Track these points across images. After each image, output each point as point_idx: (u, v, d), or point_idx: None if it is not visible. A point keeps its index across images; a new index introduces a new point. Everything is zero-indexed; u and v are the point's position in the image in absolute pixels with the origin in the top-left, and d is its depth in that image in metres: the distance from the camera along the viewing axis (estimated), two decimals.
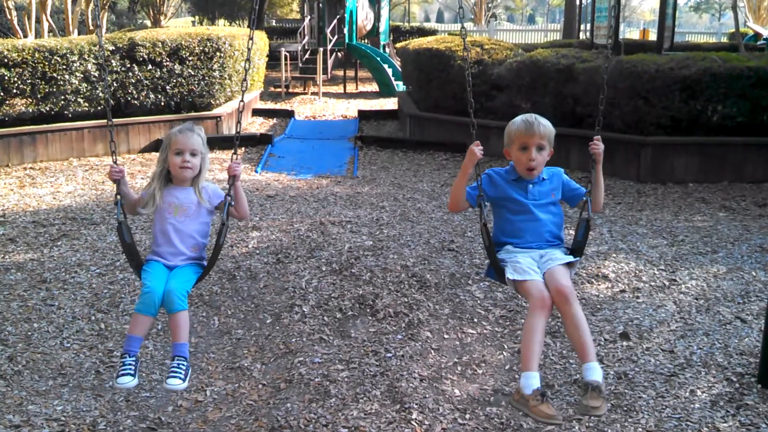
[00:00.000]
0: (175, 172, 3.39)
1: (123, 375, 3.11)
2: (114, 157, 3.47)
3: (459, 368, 4.32)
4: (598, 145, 3.29)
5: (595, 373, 2.87)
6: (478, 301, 5.15)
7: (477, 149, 3.19)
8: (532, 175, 3.25)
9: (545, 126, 3.27)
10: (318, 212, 7.23)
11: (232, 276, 5.49)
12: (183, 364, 3.18)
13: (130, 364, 3.14)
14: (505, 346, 4.59)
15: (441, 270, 5.63)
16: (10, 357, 4.27)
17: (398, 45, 15.78)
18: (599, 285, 5.44)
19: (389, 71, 18.49)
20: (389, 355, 4.39)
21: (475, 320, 4.89)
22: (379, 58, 19.11)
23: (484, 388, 4.12)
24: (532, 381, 2.91)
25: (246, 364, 4.32)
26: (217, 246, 3.37)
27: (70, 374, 4.15)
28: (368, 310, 4.95)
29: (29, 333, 4.58)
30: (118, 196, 3.37)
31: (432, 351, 4.49)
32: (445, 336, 4.69)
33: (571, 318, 3.02)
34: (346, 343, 4.54)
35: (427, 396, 3.96)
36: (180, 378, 3.14)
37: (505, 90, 10.17)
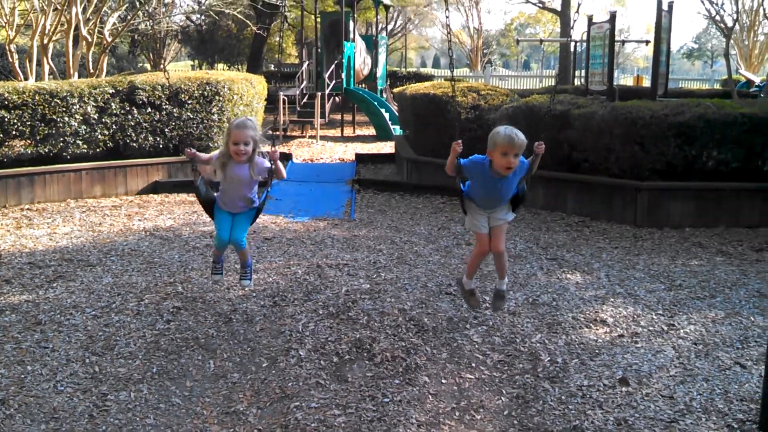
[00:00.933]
0: (233, 157, 4.83)
1: (215, 274, 5.38)
2: (191, 150, 4.94)
3: (457, 413, 4.27)
4: (542, 145, 4.41)
5: (503, 284, 5.04)
6: (476, 346, 5.12)
7: (458, 146, 4.51)
8: (508, 172, 4.39)
9: (521, 139, 4.33)
10: (315, 255, 7.22)
11: (229, 319, 5.45)
12: (248, 271, 5.34)
13: (218, 265, 5.35)
14: (504, 391, 4.54)
15: (438, 314, 5.61)
16: (2, 400, 4.21)
17: (395, 90, 15.96)
18: (597, 329, 5.42)
19: (386, 115, 18.66)
20: (386, 399, 4.34)
21: (473, 365, 4.85)
22: (376, 103, 19.29)
23: None
24: (470, 283, 5.13)
25: (241, 409, 4.26)
26: (263, 199, 5.25)
27: (63, 418, 4.08)
28: (365, 354, 4.91)
29: (22, 376, 4.53)
30: (193, 164, 5.04)
31: (430, 396, 4.45)
32: (443, 381, 4.64)
33: (498, 260, 4.93)
34: (343, 388, 4.49)
35: None
36: (248, 279, 5.38)
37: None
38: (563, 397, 4.44)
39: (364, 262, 6.95)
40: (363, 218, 9.22)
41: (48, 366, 4.67)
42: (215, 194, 5.10)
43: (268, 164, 4.96)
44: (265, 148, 5.08)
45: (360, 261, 6.97)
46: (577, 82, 20.89)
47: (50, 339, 5.07)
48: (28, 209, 9.19)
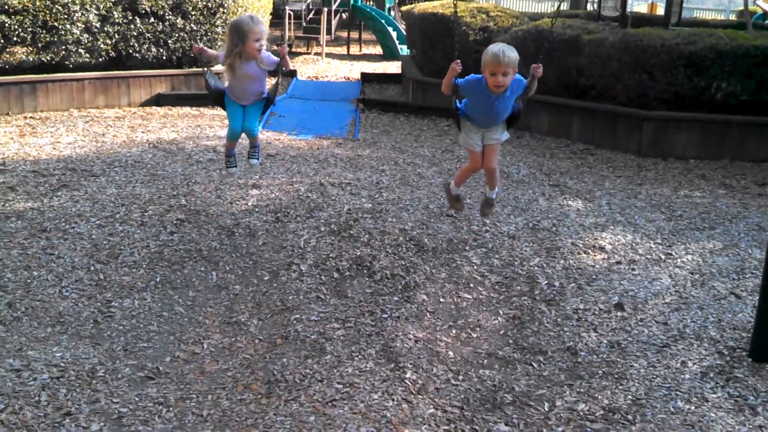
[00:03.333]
0: (253, 53, 4.72)
1: (231, 167, 5.37)
2: (199, 45, 4.94)
3: (454, 331, 4.38)
4: (540, 67, 4.32)
5: (493, 193, 4.90)
6: (475, 267, 5.19)
7: (457, 66, 4.30)
8: (500, 91, 4.26)
9: (509, 57, 4.16)
10: (318, 173, 7.23)
11: (231, 232, 5.51)
12: (256, 150, 5.30)
13: (232, 158, 5.35)
14: (501, 312, 4.64)
15: (439, 235, 5.66)
16: (9, 303, 4.30)
17: (403, 8, 15.63)
18: (595, 256, 5.48)
19: (393, 34, 18.34)
20: (385, 315, 4.44)
21: (471, 285, 4.94)
22: (383, 21, 18.93)
23: (478, 351, 4.17)
24: (457, 190, 5.05)
25: (243, 320, 4.36)
26: (273, 88, 5.12)
27: (68, 322, 4.18)
28: (365, 272, 4.98)
29: (29, 281, 4.61)
30: (202, 59, 4.99)
31: (428, 314, 4.54)
32: (441, 300, 4.73)
33: (490, 176, 4.83)
34: (343, 303, 4.58)
35: (421, 356, 4.01)
36: (256, 158, 5.31)
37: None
38: (559, 320, 4.54)
39: (366, 181, 6.96)
40: (367, 138, 9.18)
41: (54, 272, 4.75)
42: (225, 85, 5.09)
43: (275, 58, 4.88)
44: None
45: (363, 180, 6.99)
46: (589, 7, 20.42)
47: (56, 246, 5.13)
48: (31, 117, 9.15)
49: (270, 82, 5.35)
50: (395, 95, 12.90)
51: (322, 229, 5.62)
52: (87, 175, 6.79)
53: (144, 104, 10.38)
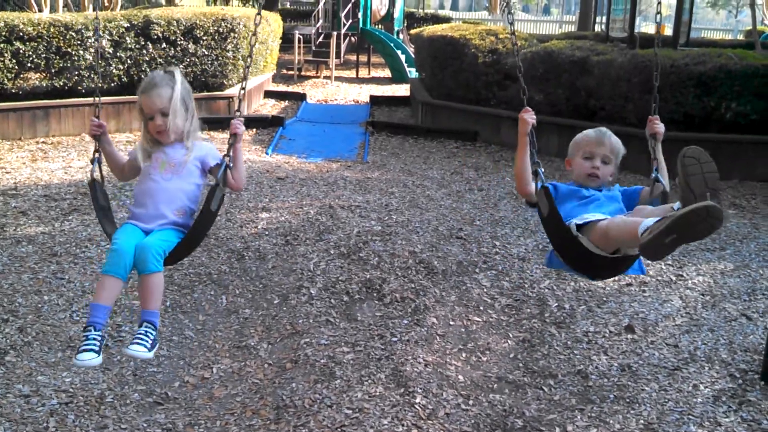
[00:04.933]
0: (155, 137, 2.97)
1: (85, 350, 2.63)
2: (97, 111, 3.02)
3: (464, 355, 4.36)
4: (658, 123, 3.14)
5: None
6: (485, 290, 5.18)
7: (528, 115, 2.92)
8: (594, 182, 2.99)
9: (616, 141, 3.07)
10: (327, 196, 7.25)
11: (241, 256, 5.52)
12: (151, 333, 2.74)
13: (94, 339, 2.66)
14: (511, 335, 4.61)
15: (449, 257, 5.65)
16: (20, 328, 4.32)
17: (412, 31, 15.73)
18: None
19: (402, 57, 18.42)
20: (395, 339, 4.43)
21: (481, 308, 4.92)
22: (392, 44, 19.02)
23: (488, 375, 4.15)
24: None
25: (252, 344, 4.36)
26: (206, 210, 2.79)
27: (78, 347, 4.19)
28: (375, 295, 4.98)
29: (39, 305, 4.63)
30: (97, 154, 3.01)
31: (437, 337, 4.52)
32: (451, 323, 4.72)
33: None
34: (353, 326, 4.57)
35: (431, 381, 4.00)
36: (145, 346, 2.69)
37: (518, 80, 10.13)
38: (569, 342, 4.51)
39: (376, 204, 6.98)
40: (376, 160, 9.21)
41: (64, 296, 4.77)
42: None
43: (217, 153, 3.07)
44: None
45: (372, 203, 7.00)
46: (597, 28, 20.50)
47: (66, 270, 5.16)
48: (43, 142, 9.24)
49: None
50: (404, 118, 12.95)
51: (332, 252, 5.62)
52: None
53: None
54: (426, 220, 6.53)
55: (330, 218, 6.41)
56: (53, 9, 13.20)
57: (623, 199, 2.99)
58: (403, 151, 9.88)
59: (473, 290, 5.16)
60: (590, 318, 4.81)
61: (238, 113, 3.01)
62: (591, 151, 3.01)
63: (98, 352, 2.65)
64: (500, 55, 10.58)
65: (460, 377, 4.10)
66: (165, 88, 2.91)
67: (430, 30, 12.96)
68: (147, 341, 2.71)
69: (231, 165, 2.96)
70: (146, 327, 2.76)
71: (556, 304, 4.99)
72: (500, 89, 10.22)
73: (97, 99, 3.05)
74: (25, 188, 7.13)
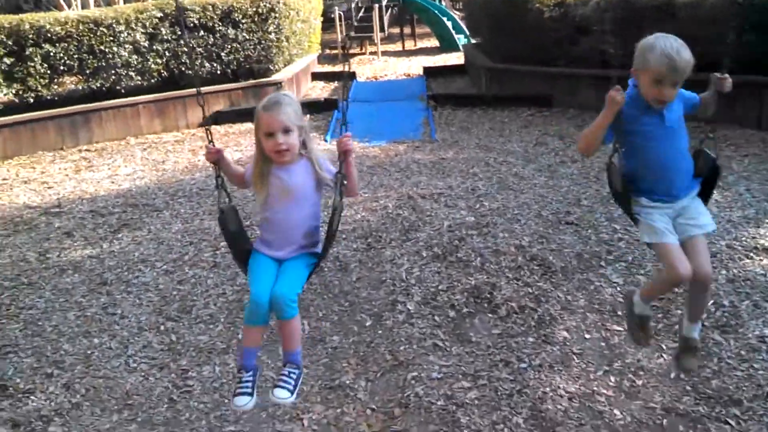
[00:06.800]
0: (272, 156, 2.81)
1: (240, 395, 2.71)
2: (209, 136, 2.95)
3: (612, 378, 3.46)
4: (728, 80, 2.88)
5: (695, 330, 3.01)
6: (617, 288, 4.24)
7: (618, 95, 2.73)
8: (662, 105, 2.79)
9: (687, 62, 2.71)
10: (403, 184, 6.37)
11: (319, 268, 4.68)
12: (294, 373, 2.79)
13: (247, 381, 2.74)
14: (663, 346, 3.69)
15: (564, 250, 4.72)
16: (66, 385, 3.58)
17: None
18: (762, 260, 4.46)
19: (449, 24, 17.44)
20: (524, 365, 3.55)
21: (619, 313, 3.99)
22: (437, 11, 18.03)
23: (649, 405, 3.25)
24: (645, 307, 3.14)
25: (348, 382, 3.54)
26: (330, 233, 2.82)
27: (138, 404, 3.43)
28: (486, 306, 4.10)
29: (89, 351, 3.89)
30: (219, 179, 2.93)
31: (574, 356, 3.63)
32: (587, 336, 3.81)
33: (699, 292, 2.90)
34: (468, 351, 3.70)
35: (583, 421, 3.12)
36: (288, 390, 2.73)
37: (591, 33, 9.07)
38: (743, 352, 3.57)
39: (460, 189, 6.07)
40: (446, 138, 8.27)
41: (117, 337, 4.02)
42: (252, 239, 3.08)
43: (332, 167, 2.87)
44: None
45: (456, 189, 6.09)
46: None
47: (118, 303, 4.41)
48: (86, 150, 8.58)
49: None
50: (464, 87, 11.96)
51: (424, 254, 4.75)
52: (149, 210, 6.10)
53: (203, 125, 9.70)
54: (524, 204, 5.59)
55: (413, 211, 5.54)
56: (83, 6, 12.56)
57: (687, 104, 2.89)
58: (473, 125, 8.92)
59: (604, 290, 4.23)
60: (760, 317, 3.85)
61: (345, 128, 2.97)
62: (662, 76, 2.71)
63: (252, 394, 2.73)
64: (568, 6, 9.50)
65: (616, 411, 3.21)
66: (286, 107, 2.80)
67: None
68: (290, 383, 2.75)
69: (345, 181, 2.84)
70: (289, 367, 2.81)
71: (712, 301, 4.03)
72: (571, 45, 9.18)
73: (207, 129, 2.99)
74: (70, 204, 6.44)
